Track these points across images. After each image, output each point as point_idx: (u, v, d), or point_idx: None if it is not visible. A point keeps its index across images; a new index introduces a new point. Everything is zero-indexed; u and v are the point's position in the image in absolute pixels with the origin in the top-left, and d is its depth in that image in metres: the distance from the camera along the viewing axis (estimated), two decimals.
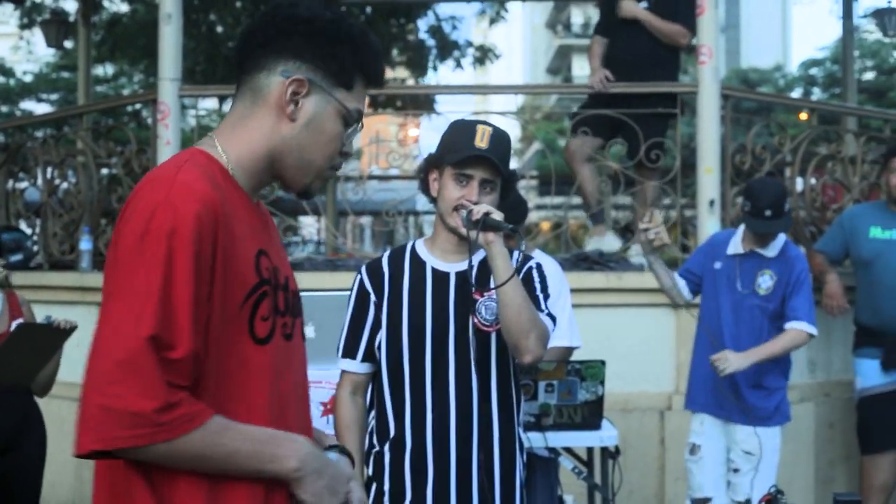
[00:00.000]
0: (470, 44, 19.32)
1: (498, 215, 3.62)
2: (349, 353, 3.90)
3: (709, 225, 7.41)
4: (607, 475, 5.43)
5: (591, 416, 5.31)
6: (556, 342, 5.55)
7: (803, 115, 13.09)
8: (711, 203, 7.44)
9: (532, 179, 23.20)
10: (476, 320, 3.75)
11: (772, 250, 5.91)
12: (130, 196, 2.25)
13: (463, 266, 3.77)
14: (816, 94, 33.85)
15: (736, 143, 8.42)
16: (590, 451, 5.64)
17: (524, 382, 5.05)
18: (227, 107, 18.45)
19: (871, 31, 29.64)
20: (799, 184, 9.07)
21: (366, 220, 26.44)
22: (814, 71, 35.24)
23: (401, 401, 3.82)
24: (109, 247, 2.26)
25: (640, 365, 6.73)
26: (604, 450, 5.45)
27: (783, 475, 6.92)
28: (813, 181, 8.85)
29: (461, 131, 3.81)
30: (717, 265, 6.04)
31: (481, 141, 3.71)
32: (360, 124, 2.48)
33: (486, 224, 3.60)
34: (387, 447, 3.83)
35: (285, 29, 2.38)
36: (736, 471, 5.91)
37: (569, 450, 5.53)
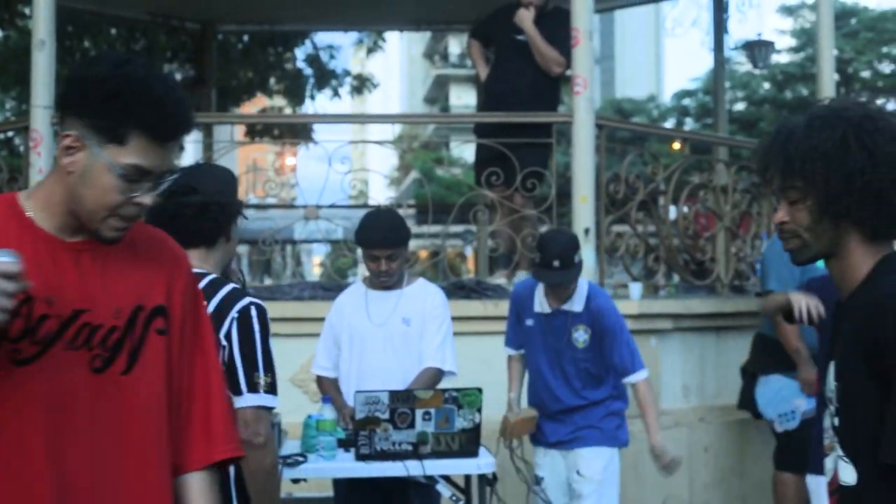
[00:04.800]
0: (347, 73, 19.31)
1: None
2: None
3: (584, 252, 7.47)
4: (485, 502, 5.44)
5: (468, 443, 5.32)
6: (429, 363, 5.62)
7: (676, 145, 13.34)
8: (587, 231, 7.51)
9: (409, 208, 23.25)
10: None
11: (577, 305, 5.94)
12: None
13: None
14: (689, 124, 34.46)
15: (610, 172, 8.52)
16: (467, 478, 5.65)
17: (401, 411, 5.07)
18: None
19: (741, 63, 30.35)
20: (672, 212, 9.21)
21: (242, 249, 26.23)
22: (686, 101, 35.95)
23: None
24: None
25: None
26: (481, 477, 5.46)
27: (658, 499, 7.01)
28: (685, 209, 9.01)
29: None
30: (529, 322, 6.09)
31: None
32: (157, 176, 2.55)
33: None
34: None
35: (70, 86, 2.53)
36: (579, 496, 5.98)
37: (447, 477, 5.53)
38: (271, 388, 3.58)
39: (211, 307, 3.55)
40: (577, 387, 5.99)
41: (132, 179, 2.50)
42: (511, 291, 6.38)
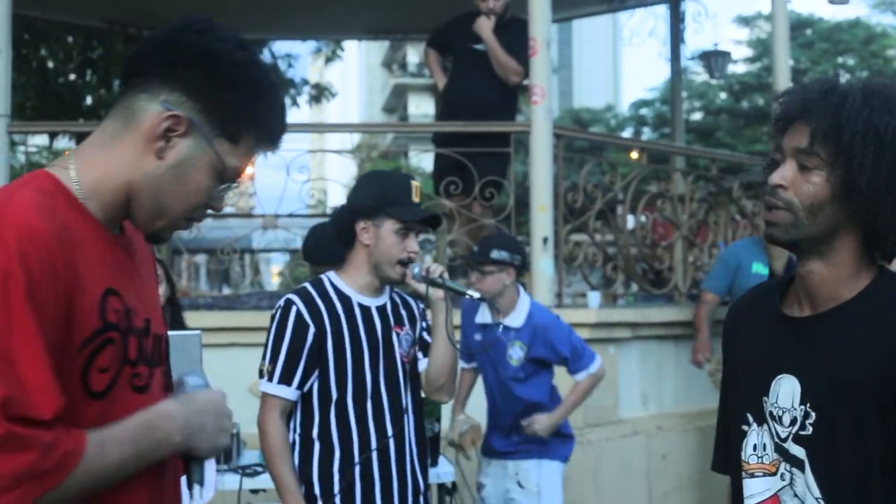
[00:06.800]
0: (306, 82, 19.25)
1: (445, 274, 4.15)
2: (286, 379, 4.05)
3: (542, 262, 7.50)
4: None
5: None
6: None
7: (634, 155, 13.40)
8: (545, 240, 7.54)
9: None
10: (399, 351, 4.18)
11: (516, 320, 5.87)
12: None
13: (380, 301, 4.21)
14: (646, 133, 34.59)
15: (568, 181, 8.54)
16: (426, 487, 5.65)
17: None
18: (58, 143, 18.17)
19: (698, 73, 30.51)
20: (630, 221, 9.25)
21: (201, 259, 26.08)
22: (644, 111, 36.08)
23: (347, 425, 4.07)
24: None
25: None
26: (440, 486, 5.46)
27: None
28: (643, 219, 9.04)
29: (398, 185, 4.13)
30: (478, 336, 6.04)
31: (416, 196, 4.09)
32: (235, 182, 2.17)
33: (435, 283, 4.12)
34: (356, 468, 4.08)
35: (184, 55, 2.07)
36: None
37: None
38: (269, 376, 4.04)
39: None
40: (506, 414, 5.94)
41: (224, 182, 2.14)
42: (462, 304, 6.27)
